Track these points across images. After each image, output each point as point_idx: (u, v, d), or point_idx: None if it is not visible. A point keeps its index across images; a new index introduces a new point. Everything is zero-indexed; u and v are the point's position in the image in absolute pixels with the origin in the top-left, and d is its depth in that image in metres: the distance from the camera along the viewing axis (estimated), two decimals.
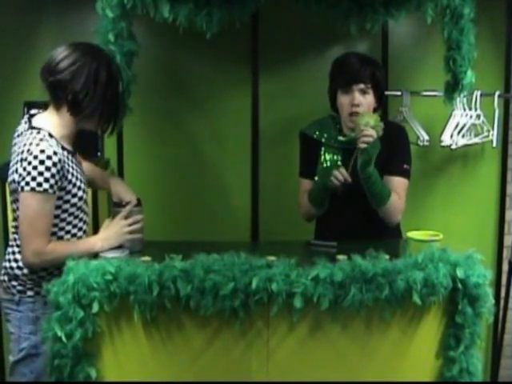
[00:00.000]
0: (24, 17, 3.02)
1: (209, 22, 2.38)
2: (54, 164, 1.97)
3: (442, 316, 1.96)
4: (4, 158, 2.79)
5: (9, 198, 2.58)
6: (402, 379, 1.96)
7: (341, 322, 1.90)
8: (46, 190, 1.96)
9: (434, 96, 2.90)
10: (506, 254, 3.24)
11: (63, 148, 2.07)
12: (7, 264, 2.13)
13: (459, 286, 1.89)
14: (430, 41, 3.00)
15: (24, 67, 3.01)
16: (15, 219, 2.10)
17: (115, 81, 2.13)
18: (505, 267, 3.19)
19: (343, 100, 2.39)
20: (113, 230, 2.13)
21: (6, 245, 2.22)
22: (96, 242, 2.11)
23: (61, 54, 2.06)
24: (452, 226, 3.04)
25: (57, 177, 1.98)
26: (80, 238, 2.14)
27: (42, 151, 1.96)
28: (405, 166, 2.41)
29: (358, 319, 1.89)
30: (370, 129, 2.27)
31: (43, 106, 2.16)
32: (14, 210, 2.12)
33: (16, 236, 2.11)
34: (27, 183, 1.96)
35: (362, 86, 2.35)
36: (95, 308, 1.83)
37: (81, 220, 2.15)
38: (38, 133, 2.03)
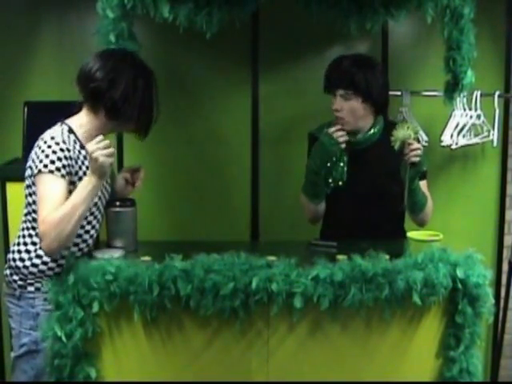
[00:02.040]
0: (24, 17, 3.02)
1: (209, 22, 2.37)
2: (62, 150, 2.01)
3: (442, 316, 1.96)
4: (4, 157, 2.80)
5: (9, 198, 2.60)
6: (402, 379, 1.96)
7: (341, 322, 1.90)
8: (52, 171, 1.98)
9: (434, 96, 2.90)
10: (506, 253, 3.24)
11: (83, 147, 2.09)
12: (10, 256, 2.15)
13: (459, 286, 1.89)
14: (430, 41, 3.00)
15: (24, 67, 3.01)
16: (34, 211, 2.08)
17: (152, 87, 2.19)
18: (505, 267, 3.19)
19: (331, 105, 2.40)
20: (96, 167, 2.00)
21: (6, 245, 2.22)
22: (85, 181, 2.01)
23: (97, 63, 2.11)
24: (452, 226, 3.04)
25: (64, 162, 2.00)
26: (85, 241, 2.14)
27: (52, 137, 2.03)
28: (424, 168, 2.43)
29: (358, 319, 1.89)
30: (414, 141, 2.27)
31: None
32: (31, 204, 2.11)
33: (24, 225, 2.12)
34: (36, 167, 2.01)
35: (341, 91, 2.36)
36: (95, 308, 1.84)
37: (89, 223, 2.13)
38: (60, 126, 2.10)
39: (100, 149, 1.96)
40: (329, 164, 2.39)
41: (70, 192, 2.03)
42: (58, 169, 1.99)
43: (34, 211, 2.07)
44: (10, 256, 2.14)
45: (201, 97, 3.10)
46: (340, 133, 2.34)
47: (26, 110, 2.75)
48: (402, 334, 1.94)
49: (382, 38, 3.08)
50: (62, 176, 2.00)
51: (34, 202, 2.06)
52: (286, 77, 3.10)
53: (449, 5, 2.42)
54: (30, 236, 2.10)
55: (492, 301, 1.96)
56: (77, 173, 2.06)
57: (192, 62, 3.09)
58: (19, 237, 2.15)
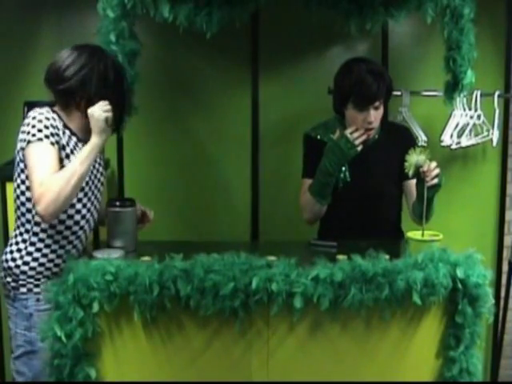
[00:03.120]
0: (24, 17, 3.02)
1: (209, 22, 2.37)
2: (47, 118, 2.02)
3: (442, 316, 1.96)
4: (4, 157, 2.80)
5: (9, 198, 2.60)
6: (401, 379, 1.96)
7: (341, 322, 1.90)
8: (40, 139, 1.98)
9: (434, 96, 2.90)
10: (506, 253, 3.24)
11: (66, 127, 2.09)
12: (3, 257, 2.16)
13: (459, 286, 1.89)
14: (430, 41, 3.00)
15: (24, 67, 3.01)
16: (23, 204, 2.09)
17: (122, 79, 2.16)
18: (505, 267, 3.19)
19: (356, 115, 2.37)
20: (93, 123, 2.04)
21: (6, 245, 2.22)
22: (91, 141, 2.03)
23: (65, 60, 2.09)
24: (452, 226, 3.03)
25: (51, 130, 2.01)
26: (78, 237, 2.14)
27: (35, 112, 2.04)
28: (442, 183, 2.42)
29: (358, 319, 1.89)
30: (431, 164, 2.26)
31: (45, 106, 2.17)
32: (19, 196, 2.11)
33: (22, 220, 2.11)
34: (24, 140, 2.01)
35: (377, 103, 2.35)
36: (95, 308, 1.83)
37: (78, 212, 2.12)
38: (40, 108, 2.09)
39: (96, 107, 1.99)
40: (344, 167, 2.41)
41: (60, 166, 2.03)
42: (46, 136, 1.99)
43: (29, 210, 2.08)
44: (3, 257, 2.15)
45: (201, 97, 3.10)
46: (356, 134, 2.34)
47: (25, 110, 2.75)
48: (402, 334, 1.93)
49: (382, 38, 3.08)
50: (52, 144, 2.00)
51: (29, 200, 2.06)
52: (286, 77, 3.10)
53: (449, 5, 2.42)
54: (21, 234, 2.12)
55: (492, 301, 1.95)
56: (64, 147, 2.05)
57: (192, 61, 3.08)
58: (12, 238, 2.16)
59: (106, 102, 2.04)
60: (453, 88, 2.52)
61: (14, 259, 2.11)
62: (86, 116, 2.07)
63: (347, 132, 2.35)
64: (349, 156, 2.35)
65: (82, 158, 1.99)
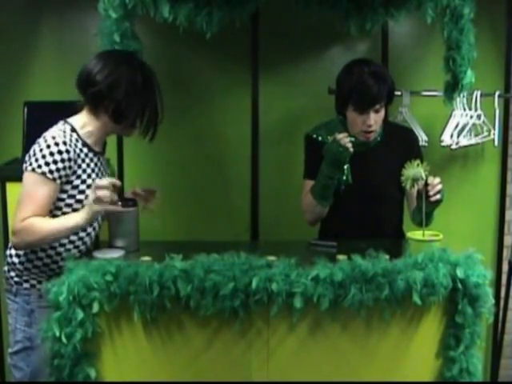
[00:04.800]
0: (24, 17, 3.02)
1: (209, 22, 2.38)
2: (60, 152, 2.00)
3: (442, 316, 1.96)
4: (4, 157, 2.80)
5: (9, 198, 2.60)
6: (401, 379, 1.96)
7: (341, 322, 1.90)
8: (44, 173, 1.99)
9: (434, 96, 2.90)
10: (506, 253, 3.24)
11: (85, 145, 2.10)
12: (8, 252, 2.18)
13: (459, 286, 1.89)
14: (430, 41, 3.00)
15: (24, 67, 3.02)
16: None
17: (151, 86, 2.16)
18: (505, 267, 3.19)
19: (356, 118, 2.36)
20: (88, 205, 2.05)
21: (6, 245, 2.23)
22: (76, 214, 2.05)
23: (96, 65, 2.09)
24: (452, 226, 3.04)
25: (60, 165, 2.00)
26: (81, 238, 2.14)
27: (53, 137, 2.02)
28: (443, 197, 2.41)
29: (358, 319, 1.89)
30: (434, 180, 2.24)
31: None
32: None
33: None
34: (30, 164, 2.01)
35: (377, 106, 2.34)
36: (95, 308, 1.83)
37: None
38: (63, 124, 2.09)
39: (101, 197, 1.98)
40: (345, 167, 2.39)
41: (65, 192, 2.05)
42: (50, 171, 2.00)
43: None
44: (8, 252, 2.17)
45: (201, 97, 3.10)
46: (347, 139, 2.32)
47: (25, 109, 2.75)
48: (402, 334, 1.93)
49: (382, 38, 3.08)
50: (54, 179, 2.01)
51: None
52: (286, 77, 3.10)
53: (449, 5, 2.42)
54: None
55: (492, 301, 1.95)
56: (75, 172, 2.06)
57: (192, 62, 3.09)
58: None
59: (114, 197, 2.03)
60: (453, 88, 2.52)
61: (18, 255, 2.12)
62: (113, 121, 2.10)
63: (338, 137, 2.32)
64: (341, 159, 2.33)
65: (64, 226, 2.02)
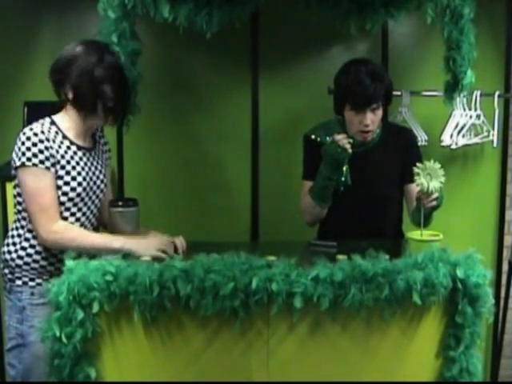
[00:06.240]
0: (24, 17, 3.03)
1: (209, 22, 2.37)
2: (41, 141, 2.01)
3: (442, 316, 1.96)
4: (4, 157, 2.80)
5: (9, 198, 2.61)
6: (402, 379, 1.96)
7: (341, 322, 1.90)
8: (35, 165, 2.00)
9: (434, 96, 2.90)
10: (505, 253, 3.24)
11: (66, 137, 2.11)
12: (2, 249, 2.19)
13: (459, 285, 1.89)
14: (430, 41, 3.00)
15: (24, 67, 3.02)
16: (19, 203, 2.14)
17: (116, 77, 2.14)
18: (505, 267, 3.19)
19: (353, 117, 2.35)
20: (146, 240, 2.11)
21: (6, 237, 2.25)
22: (120, 240, 2.07)
23: (63, 52, 2.12)
24: (452, 226, 3.04)
25: (46, 153, 2.02)
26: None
27: (31, 129, 2.04)
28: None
29: (358, 319, 1.89)
30: (436, 192, 2.19)
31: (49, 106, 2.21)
32: (16, 196, 2.15)
33: (18, 216, 2.15)
34: (19, 159, 2.02)
35: (374, 105, 2.33)
36: (95, 308, 1.83)
37: (73, 215, 2.15)
38: (43, 119, 2.12)
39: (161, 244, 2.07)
40: (344, 168, 2.39)
41: (56, 185, 2.06)
42: (41, 161, 2.01)
43: (24, 210, 2.10)
44: (3, 249, 2.19)
45: (201, 97, 3.10)
46: (346, 140, 2.32)
47: (25, 110, 2.75)
48: (402, 334, 1.93)
49: (382, 38, 3.09)
50: (47, 168, 2.02)
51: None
52: (286, 77, 3.10)
53: (449, 5, 2.42)
54: (17, 229, 2.15)
55: (492, 301, 1.95)
56: (58, 162, 2.07)
57: (192, 61, 3.09)
58: (12, 229, 2.20)
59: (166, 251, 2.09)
60: (453, 88, 2.52)
61: (9, 252, 2.15)
62: (75, 108, 2.10)
63: (336, 138, 2.32)
64: (340, 160, 2.33)
65: (105, 245, 2.05)
